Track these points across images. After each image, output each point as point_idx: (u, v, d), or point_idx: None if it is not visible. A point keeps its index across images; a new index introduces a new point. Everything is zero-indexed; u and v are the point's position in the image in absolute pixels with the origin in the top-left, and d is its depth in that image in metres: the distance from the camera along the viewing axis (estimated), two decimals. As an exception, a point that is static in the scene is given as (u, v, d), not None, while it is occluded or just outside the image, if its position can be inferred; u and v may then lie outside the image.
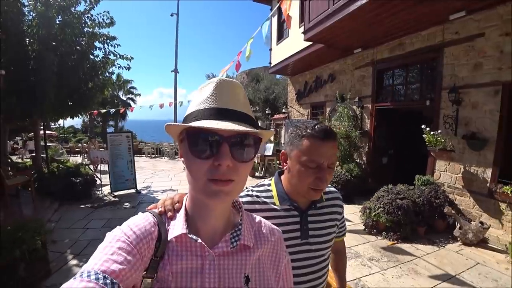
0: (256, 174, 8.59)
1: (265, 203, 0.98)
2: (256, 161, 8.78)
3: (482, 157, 4.09)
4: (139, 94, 29.68)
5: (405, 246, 3.81)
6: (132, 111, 19.08)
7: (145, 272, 0.52)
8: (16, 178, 5.09)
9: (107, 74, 6.92)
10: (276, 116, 11.49)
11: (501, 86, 3.84)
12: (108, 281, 0.42)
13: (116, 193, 6.42)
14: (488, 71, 4.00)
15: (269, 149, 8.69)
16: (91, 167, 7.63)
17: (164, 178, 8.90)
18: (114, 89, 24.25)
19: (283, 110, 10.06)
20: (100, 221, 4.67)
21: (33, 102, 4.99)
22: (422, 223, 4.14)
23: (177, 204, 0.63)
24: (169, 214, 0.61)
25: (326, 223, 1.03)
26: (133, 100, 28.44)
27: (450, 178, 4.57)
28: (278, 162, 8.95)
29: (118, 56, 6.67)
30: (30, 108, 5.06)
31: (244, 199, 0.97)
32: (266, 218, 0.82)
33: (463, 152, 4.32)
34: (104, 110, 15.72)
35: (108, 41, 6.39)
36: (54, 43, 5.17)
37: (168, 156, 14.50)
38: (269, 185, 1.04)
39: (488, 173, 4.01)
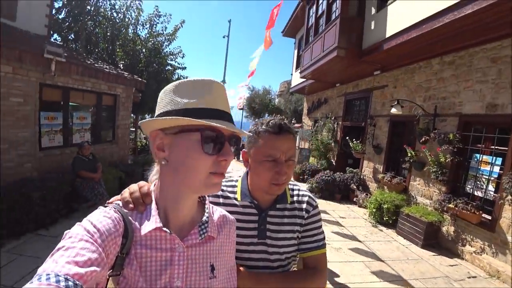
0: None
1: (228, 197, 1.00)
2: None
3: (381, 158, 6.85)
4: None
5: (322, 201, 6.86)
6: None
7: (111, 270, 0.52)
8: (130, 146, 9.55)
9: None
10: (295, 125, 14.62)
11: (390, 117, 6.59)
12: (70, 283, 0.39)
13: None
14: (386, 108, 6.76)
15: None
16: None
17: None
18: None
19: (293, 121, 13.22)
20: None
21: (141, 108, 9.37)
22: (338, 192, 7.09)
23: (147, 197, 0.64)
24: (141, 208, 0.62)
25: (285, 226, 1.00)
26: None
27: (369, 171, 7.34)
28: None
29: (185, 77, 11.13)
30: (140, 111, 9.47)
31: None
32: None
33: (373, 156, 7.09)
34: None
35: (181, 69, 10.79)
36: (154, 75, 9.50)
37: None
38: (237, 180, 1.05)
39: (381, 168, 6.76)
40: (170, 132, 0.58)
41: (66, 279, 0.39)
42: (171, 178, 0.61)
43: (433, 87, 5.38)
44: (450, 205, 4.52)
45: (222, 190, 1.02)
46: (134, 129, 11.39)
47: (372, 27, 6.16)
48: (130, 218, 0.59)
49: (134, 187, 0.66)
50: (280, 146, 0.90)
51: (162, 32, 10.49)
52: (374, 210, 5.60)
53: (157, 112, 0.61)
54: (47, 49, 4.67)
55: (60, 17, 9.01)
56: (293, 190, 1.09)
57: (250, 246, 0.96)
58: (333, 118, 9.32)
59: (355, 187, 6.91)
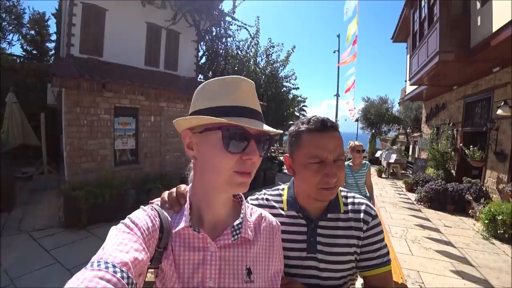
0: (383, 175, 11.58)
1: (273, 207, 0.94)
2: (384, 166, 11.79)
3: (505, 167, 5.96)
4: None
5: (430, 211, 6.57)
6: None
7: (150, 263, 0.55)
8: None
9: (292, 108, 12.87)
10: (414, 134, 13.30)
11: (515, 119, 5.73)
12: (117, 269, 0.43)
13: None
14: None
15: (393, 157, 11.44)
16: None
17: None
18: (293, 108, 32.58)
19: (408, 131, 12.18)
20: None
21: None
22: (451, 203, 6.54)
23: (182, 198, 0.67)
24: (176, 208, 0.65)
25: (339, 239, 0.88)
26: (304, 115, 35.54)
27: (492, 181, 6.41)
28: (400, 168, 11.50)
29: (299, 97, 12.55)
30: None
31: (254, 202, 0.96)
32: None
33: (497, 164, 6.20)
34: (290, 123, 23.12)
35: (295, 89, 12.41)
36: (272, 97, 11.41)
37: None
38: (283, 189, 0.99)
39: (506, 177, 5.87)
40: (197, 131, 0.60)
41: (114, 266, 0.43)
42: (200, 176, 0.64)
43: None
44: None
45: (267, 200, 0.97)
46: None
47: (479, 23, 5.71)
48: (167, 216, 0.62)
49: (173, 188, 0.70)
50: (326, 145, 0.81)
51: (276, 59, 12.47)
52: (486, 221, 5.07)
53: (190, 112, 0.63)
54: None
55: (201, 62, 12.38)
56: (346, 197, 0.96)
57: (298, 260, 0.87)
58: (451, 124, 8.46)
59: (470, 198, 6.22)
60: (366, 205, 0.93)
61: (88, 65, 6.38)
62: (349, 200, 0.94)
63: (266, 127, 0.59)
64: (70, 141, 4.83)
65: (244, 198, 0.74)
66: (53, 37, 13.98)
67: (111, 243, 0.49)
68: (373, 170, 11.75)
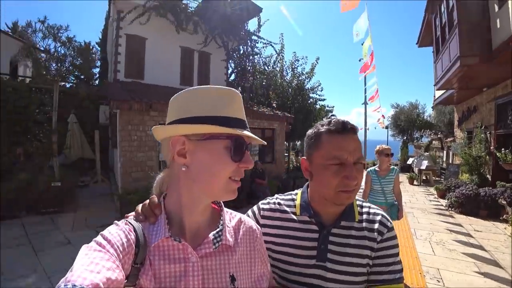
0: (415, 183, 11.35)
1: (285, 211, 0.92)
2: (415, 173, 11.56)
3: (540, 169, 5.82)
4: None
5: (461, 217, 6.52)
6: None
7: (126, 281, 0.51)
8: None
9: (319, 118, 13.17)
10: (447, 139, 12.84)
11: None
12: None
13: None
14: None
15: (424, 164, 11.19)
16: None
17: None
18: (320, 119, 32.81)
19: (439, 135, 11.81)
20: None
21: (291, 136, 11.82)
22: (485, 208, 6.42)
23: (157, 208, 0.64)
24: (152, 219, 0.62)
25: (351, 248, 0.83)
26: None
27: (528, 184, 6.24)
28: (433, 175, 11.20)
29: (326, 106, 12.87)
30: (290, 139, 11.93)
31: (266, 206, 0.95)
32: (283, 228, 0.88)
33: (532, 166, 6.06)
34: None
35: (321, 100, 12.75)
36: (299, 109, 11.86)
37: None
38: (296, 194, 0.96)
39: (542, 180, 5.73)
40: (196, 138, 0.59)
41: None
42: (189, 184, 0.61)
43: None
44: None
45: (279, 204, 0.95)
46: (287, 154, 14.20)
47: (498, 25, 5.79)
48: (143, 230, 0.59)
49: (146, 200, 0.67)
50: (346, 146, 0.79)
51: (302, 72, 12.95)
52: (517, 224, 5.03)
53: (175, 117, 0.61)
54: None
55: (231, 79, 13.21)
56: (362, 206, 0.92)
57: (306, 268, 0.83)
58: (483, 127, 8.28)
59: (504, 202, 6.10)
60: (382, 216, 0.89)
61: (132, 87, 7.37)
62: (364, 210, 0.91)
63: (256, 137, 0.64)
64: (124, 154, 5.70)
65: (223, 205, 0.74)
66: (97, 63, 15.83)
67: (80, 263, 0.46)
68: (404, 177, 11.58)
